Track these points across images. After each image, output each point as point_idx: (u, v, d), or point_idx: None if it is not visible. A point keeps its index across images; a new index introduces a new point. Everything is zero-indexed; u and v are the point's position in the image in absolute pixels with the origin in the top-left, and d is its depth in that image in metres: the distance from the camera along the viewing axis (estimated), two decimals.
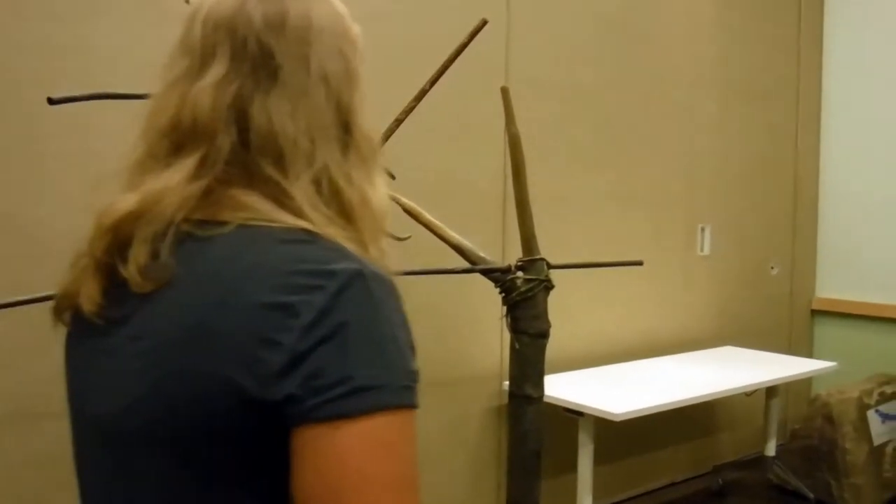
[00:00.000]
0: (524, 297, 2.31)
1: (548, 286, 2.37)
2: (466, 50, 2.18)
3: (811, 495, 3.79)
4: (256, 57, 0.82)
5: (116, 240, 0.80)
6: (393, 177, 2.50)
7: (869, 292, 4.23)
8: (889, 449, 3.87)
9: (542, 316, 2.36)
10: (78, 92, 1.85)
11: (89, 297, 0.81)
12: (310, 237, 0.77)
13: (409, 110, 2.04)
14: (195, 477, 0.74)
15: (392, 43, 2.87)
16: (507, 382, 3.01)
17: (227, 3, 0.83)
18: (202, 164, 0.80)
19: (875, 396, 3.88)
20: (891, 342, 4.15)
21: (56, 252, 2.33)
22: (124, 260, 0.79)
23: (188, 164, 0.79)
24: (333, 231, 0.79)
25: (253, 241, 0.76)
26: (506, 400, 3.20)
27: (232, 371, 0.71)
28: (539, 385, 2.38)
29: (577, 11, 3.41)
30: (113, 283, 0.81)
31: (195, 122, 0.80)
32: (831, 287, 4.45)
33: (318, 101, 0.84)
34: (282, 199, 0.80)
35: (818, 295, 4.49)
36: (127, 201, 0.80)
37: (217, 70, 0.81)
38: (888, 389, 3.95)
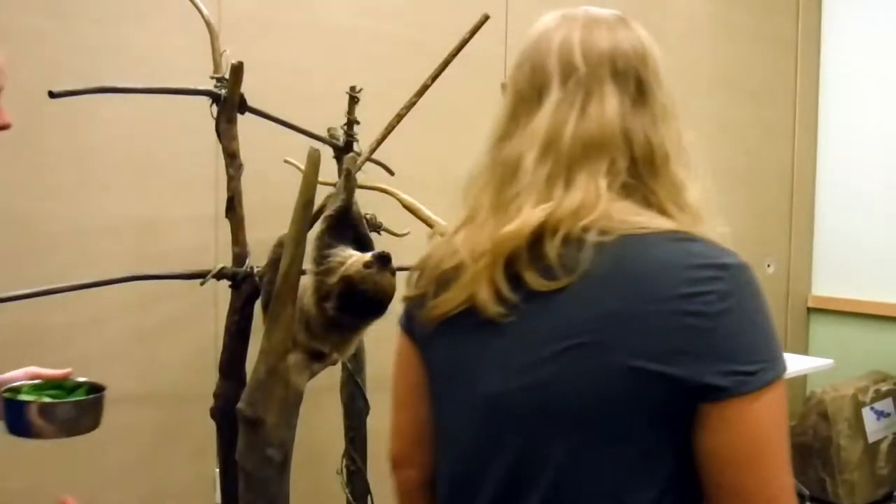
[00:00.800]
0: None
1: None
2: (466, 48, 2.19)
3: (806, 492, 3.81)
4: (632, 84, 0.97)
5: (525, 245, 0.91)
6: (391, 172, 2.53)
7: (865, 290, 4.24)
8: (884, 446, 3.89)
9: None
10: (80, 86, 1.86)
11: (492, 296, 0.93)
12: (690, 236, 0.91)
13: (410, 105, 2.05)
14: (599, 445, 0.88)
15: (394, 40, 2.88)
16: None
17: (603, 37, 0.99)
18: (608, 178, 0.92)
19: (870, 394, 3.90)
20: (886, 340, 4.16)
21: (58, 247, 2.34)
22: (529, 262, 0.91)
23: (597, 178, 0.92)
24: (696, 229, 0.93)
25: (649, 243, 0.89)
26: None
27: (650, 355, 0.84)
28: None
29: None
30: (513, 283, 0.92)
31: (601, 142, 0.93)
32: (827, 285, 4.46)
33: (669, 117, 0.99)
34: (657, 204, 0.94)
35: (814, 293, 4.50)
36: (539, 213, 0.91)
37: (609, 97, 0.95)
38: (883, 387, 3.97)
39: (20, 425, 1.38)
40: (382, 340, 2.64)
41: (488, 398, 0.95)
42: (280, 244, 1.93)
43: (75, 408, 1.43)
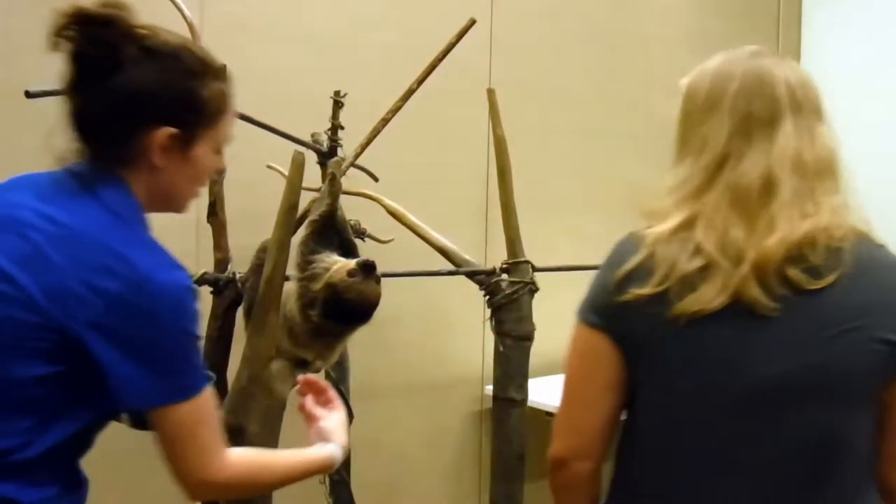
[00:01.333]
0: (509, 299, 2.30)
1: (532, 289, 2.37)
2: (451, 54, 2.17)
3: None
4: (825, 118, 1.22)
5: (790, 251, 1.11)
6: (376, 178, 2.50)
7: None
8: None
9: (527, 319, 2.35)
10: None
11: (763, 294, 1.11)
12: (879, 242, 1.19)
13: (396, 109, 2.03)
14: (861, 410, 1.15)
15: (379, 46, 2.86)
16: (489, 387, 2.99)
17: (808, 77, 1.22)
18: (834, 196, 1.16)
19: None
20: None
21: None
22: (794, 265, 1.11)
23: (832, 196, 1.16)
24: None
25: (875, 248, 1.18)
26: (488, 405, 3.18)
27: (889, 332, 1.12)
28: (523, 388, 2.38)
29: (559, 17, 3.40)
30: (781, 282, 1.11)
31: (828, 166, 1.18)
32: None
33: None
34: (849, 218, 1.17)
35: None
36: (802, 224, 1.12)
37: (823, 129, 1.20)
38: None
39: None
40: (367, 348, 2.62)
41: (762, 380, 1.13)
42: (263, 249, 1.90)
43: None
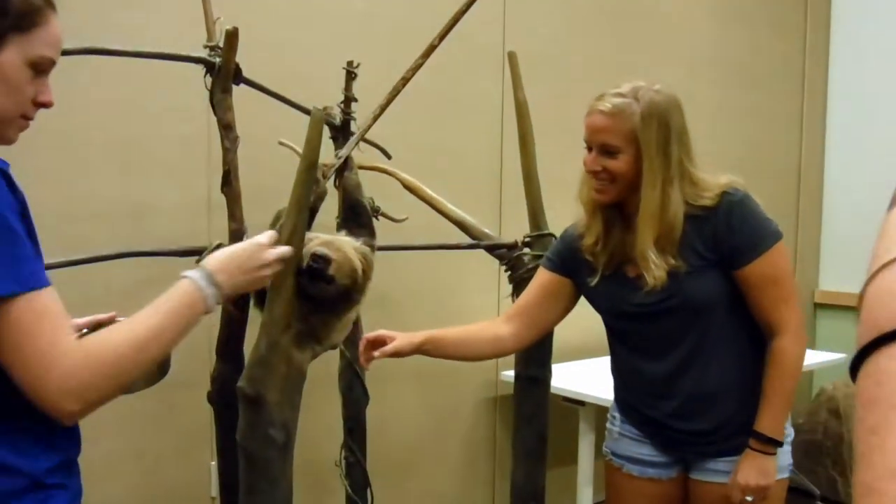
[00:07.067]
0: (532, 273, 2.23)
1: None
2: (464, 28, 2.09)
3: (816, 491, 3.71)
4: None
5: None
6: (388, 155, 2.44)
7: None
8: None
9: None
10: None
11: None
12: None
13: (416, 68, 1.97)
14: None
15: (392, 21, 2.83)
16: (505, 372, 2.92)
17: None
18: None
19: None
20: None
21: (47, 232, 2.21)
22: None
23: None
24: None
25: None
26: (502, 390, 3.12)
27: None
28: (546, 366, 2.30)
29: None
30: None
31: None
32: (835, 280, 4.37)
33: None
34: None
35: (821, 288, 4.42)
36: None
37: None
38: None
39: None
40: (381, 328, 2.57)
41: None
42: (278, 217, 1.84)
43: None
